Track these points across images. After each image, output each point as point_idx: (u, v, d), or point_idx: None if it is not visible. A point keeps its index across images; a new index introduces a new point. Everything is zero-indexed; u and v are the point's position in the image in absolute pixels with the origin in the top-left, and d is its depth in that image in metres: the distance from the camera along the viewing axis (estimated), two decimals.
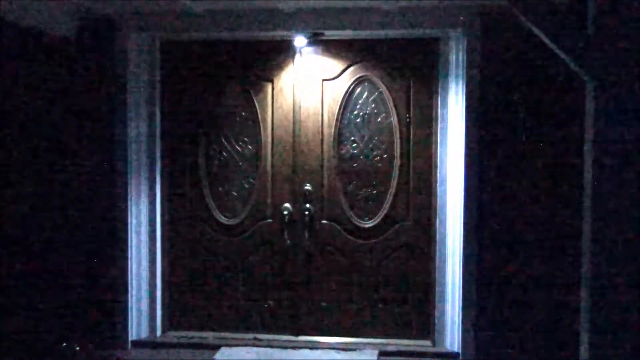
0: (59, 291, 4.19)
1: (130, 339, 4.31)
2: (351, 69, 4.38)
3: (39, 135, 4.16)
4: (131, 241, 4.29)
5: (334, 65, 4.39)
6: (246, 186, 4.50)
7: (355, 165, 4.41)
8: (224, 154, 4.50)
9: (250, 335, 4.44)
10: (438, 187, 4.28)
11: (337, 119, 4.39)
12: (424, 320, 4.37)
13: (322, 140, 4.40)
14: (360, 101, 4.39)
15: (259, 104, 4.45)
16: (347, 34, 4.24)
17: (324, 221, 4.43)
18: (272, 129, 4.44)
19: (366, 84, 4.39)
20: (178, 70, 4.47)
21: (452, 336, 4.18)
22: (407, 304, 4.39)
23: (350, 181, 4.42)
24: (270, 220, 4.48)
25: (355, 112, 4.40)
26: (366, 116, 4.39)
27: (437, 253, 4.29)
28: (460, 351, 4.09)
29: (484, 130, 3.97)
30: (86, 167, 4.23)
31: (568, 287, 3.78)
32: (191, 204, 4.53)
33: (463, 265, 4.04)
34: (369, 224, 4.41)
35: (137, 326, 4.36)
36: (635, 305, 2.43)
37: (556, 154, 3.93)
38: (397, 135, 4.35)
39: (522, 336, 3.98)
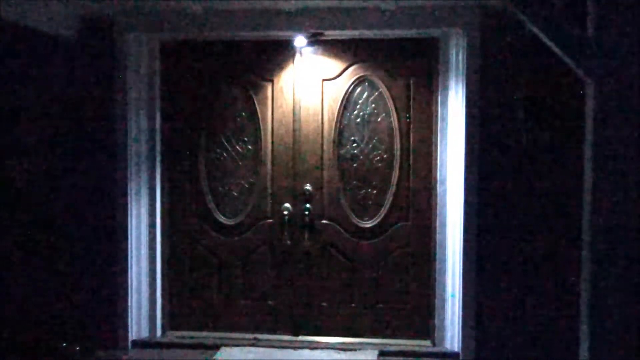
0: (59, 291, 4.20)
1: (130, 339, 4.31)
2: (351, 69, 4.38)
3: (39, 135, 4.16)
4: (131, 241, 4.28)
5: (334, 65, 4.39)
6: (246, 186, 4.50)
7: (355, 165, 4.41)
8: (224, 154, 4.50)
9: (250, 335, 4.44)
10: (438, 187, 4.27)
11: (337, 119, 4.39)
12: (424, 320, 4.37)
13: (322, 140, 4.40)
14: (360, 101, 4.39)
15: (259, 104, 4.45)
16: (347, 34, 4.24)
17: (324, 221, 4.43)
18: (272, 129, 4.44)
19: (366, 84, 4.39)
20: (178, 70, 4.47)
21: (452, 336, 4.18)
22: (407, 304, 4.39)
23: (350, 181, 4.42)
24: (270, 220, 4.47)
25: (355, 112, 4.40)
26: (366, 116, 4.39)
27: (437, 253, 4.28)
28: (460, 351, 4.09)
29: (484, 130, 3.97)
30: (86, 168, 4.23)
31: (568, 287, 3.77)
32: (191, 204, 4.52)
33: (463, 265, 4.04)
34: (369, 224, 4.41)
35: (137, 326, 4.36)
36: (636, 306, 2.43)
37: (556, 153, 3.93)
38: (397, 135, 4.35)
39: (522, 336, 3.98)
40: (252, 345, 4.33)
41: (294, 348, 4.29)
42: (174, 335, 4.49)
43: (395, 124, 4.35)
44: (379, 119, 4.38)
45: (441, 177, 4.25)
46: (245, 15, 4.08)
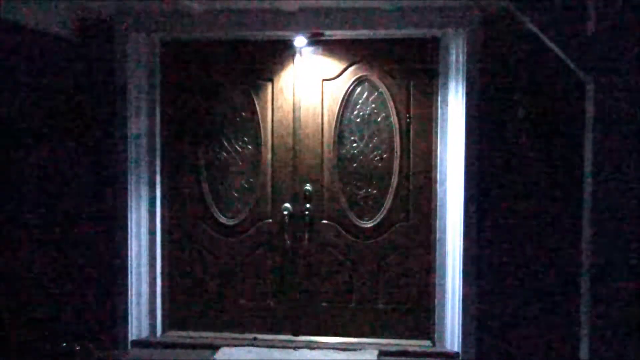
0: (59, 291, 4.20)
1: (130, 339, 4.31)
2: (351, 69, 4.38)
3: (39, 135, 4.16)
4: (131, 241, 4.28)
5: (334, 65, 4.39)
6: (246, 186, 4.50)
7: (355, 165, 4.41)
8: (224, 154, 4.50)
9: (250, 335, 4.44)
10: (438, 187, 4.28)
11: (337, 119, 4.39)
12: (424, 320, 4.37)
13: (322, 140, 4.40)
14: (360, 101, 4.39)
15: (259, 104, 4.45)
16: (347, 34, 4.24)
17: (324, 221, 4.43)
18: (272, 129, 4.44)
19: (366, 84, 4.39)
20: (178, 70, 4.47)
21: (452, 336, 4.18)
22: (407, 304, 4.39)
23: (350, 181, 4.42)
24: (270, 220, 4.48)
25: (355, 112, 4.40)
26: (366, 116, 4.39)
27: (437, 253, 4.29)
28: (460, 351, 4.09)
29: (484, 130, 3.98)
30: (86, 168, 4.23)
31: (568, 286, 3.78)
32: (191, 204, 4.53)
33: (463, 266, 4.04)
34: (369, 224, 4.41)
35: (137, 326, 4.36)
36: (635, 306, 2.43)
37: (556, 153, 3.93)
38: (397, 135, 4.35)
39: (522, 336, 3.98)
40: (252, 345, 4.33)
41: (294, 348, 4.29)
42: (174, 335, 4.49)
43: (395, 124, 4.35)
44: (379, 119, 4.38)
45: (441, 177, 4.25)
46: (246, 15, 4.08)
